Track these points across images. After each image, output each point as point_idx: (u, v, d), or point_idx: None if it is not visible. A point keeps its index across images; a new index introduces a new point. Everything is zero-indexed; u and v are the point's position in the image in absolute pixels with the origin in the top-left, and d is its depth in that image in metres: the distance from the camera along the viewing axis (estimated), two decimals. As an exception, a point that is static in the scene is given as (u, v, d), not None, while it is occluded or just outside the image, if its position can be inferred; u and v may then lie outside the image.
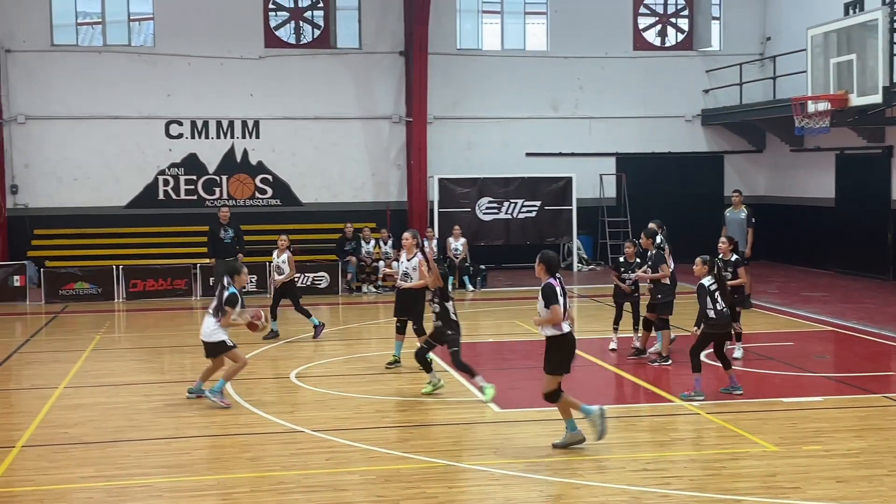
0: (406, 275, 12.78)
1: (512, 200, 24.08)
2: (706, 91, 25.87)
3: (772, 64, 24.19)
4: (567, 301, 9.16)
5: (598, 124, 25.50)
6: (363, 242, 21.34)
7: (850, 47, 13.06)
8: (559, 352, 9.14)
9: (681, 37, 26.12)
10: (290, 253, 15.39)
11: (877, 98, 12.52)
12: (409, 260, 12.76)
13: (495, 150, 25.05)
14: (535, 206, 24.21)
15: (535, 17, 25.56)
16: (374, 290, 21.00)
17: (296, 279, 15.76)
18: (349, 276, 20.78)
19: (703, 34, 25.82)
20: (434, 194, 23.65)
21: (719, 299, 10.94)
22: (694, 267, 11.17)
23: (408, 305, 12.79)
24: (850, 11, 21.56)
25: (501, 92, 25.01)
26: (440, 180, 23.71)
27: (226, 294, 10.91)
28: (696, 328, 11.08)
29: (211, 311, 10.97)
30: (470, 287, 21.23)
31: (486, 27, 25.32)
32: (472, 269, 21.64)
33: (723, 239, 12.96)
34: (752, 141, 26.06)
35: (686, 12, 26.04)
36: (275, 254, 15.44)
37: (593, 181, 25.40)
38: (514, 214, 24.14)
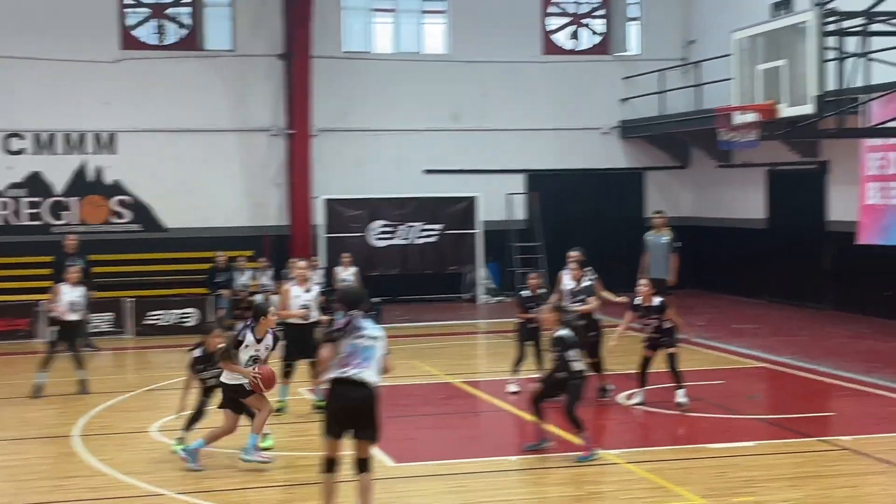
0: (305, 307, 12.87)
1: (409, 224, 24.11)
2: (624, 100, 26.33)
3: (696, 70, 24.76)
4: (361, 343, 8.48)
5: (506, 137, 25.72)
6: (237, 274, 21.09)
7: (780, 52, 13.42)
8: (326, 407, 8.44)
9: (596, 40, 26.56)
10: None
11: (808, 108, 12.88)
12: (307, 292, 12.85)
13: (389, 167, 25.07)
14: (434, 230, 24.28)
15: (432, 17, 25.70)
16: (250, 328, 20.68)
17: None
18: (221, 312, 20.50)
19: (619, 37, 26.31)
20: (319, 217, 23.52)
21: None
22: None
23: (304, 345, 12.80)
24: (779, 13, 22.25)
25: (396, 101, 25.07)
26: (326, 201, 23.62)
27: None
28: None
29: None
30: (361, 323, 21.08)
31: (378, 27, 25.37)
32: (363, 302, 21.48)
33: (643, 281, 12.92)
34: (676, 156, 26.60)
35: (601, 12, 26.51)
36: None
37: (500, 201, 25.58)
38: (412, 240, 24.16)
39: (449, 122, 25.47)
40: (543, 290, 13.67)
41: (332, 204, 23.68)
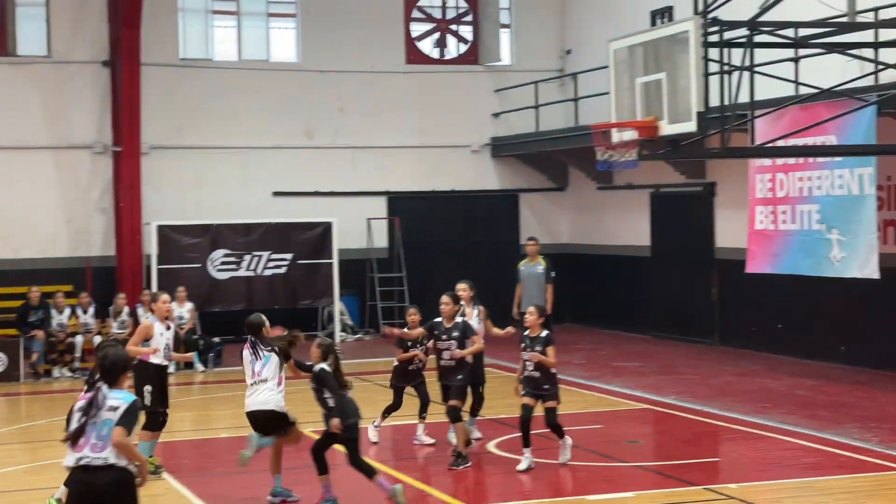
0: (168, 347, 12.86)
1: (255, 253, 23.91)
2: (496, 115, 26.64)
3: (573, 83, 25.19)
4: None
5: (365, 156, 25.77)
6: (54, 312, 20.63)
7: (660, 65, 13.74)
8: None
9: (464, 48, 26.86)
10: None
11: (691, 126, 13.19)
12: (168, 329, 12.88)
13: (233, 189, 24.87)
14: (285, 259, 24.12)
15: (281, 20, 25.67)
16: (69, 373, 20.30)
17: None
18: (35, 356, 20.02)
19: (490, 45, 26.65)
20: (152, 246, 23.20)
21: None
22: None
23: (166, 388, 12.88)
24: (658, 21, 22.81)
25: (240, 114, 24.91)
26: (160, 228, 23.28)
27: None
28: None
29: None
30: (199, 366, 20.89)
31: (219, 31, 25.24)
32: (202, 342, 21.29)
33: (531, 309, 12.83)
34: (553, 176, 26.99)
35: (469, 18, 26.82)
36: None
37: (359, 227, 25.59)
38: (259, 271, 23.97)
39: (301, 139, 25.42)
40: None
41: (166, 231, 23.32)
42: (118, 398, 7.87)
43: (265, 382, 11.53)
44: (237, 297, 23.84)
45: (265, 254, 23.97)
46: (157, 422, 12.61)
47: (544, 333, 12.56)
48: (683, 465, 12.60)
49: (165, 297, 12.92)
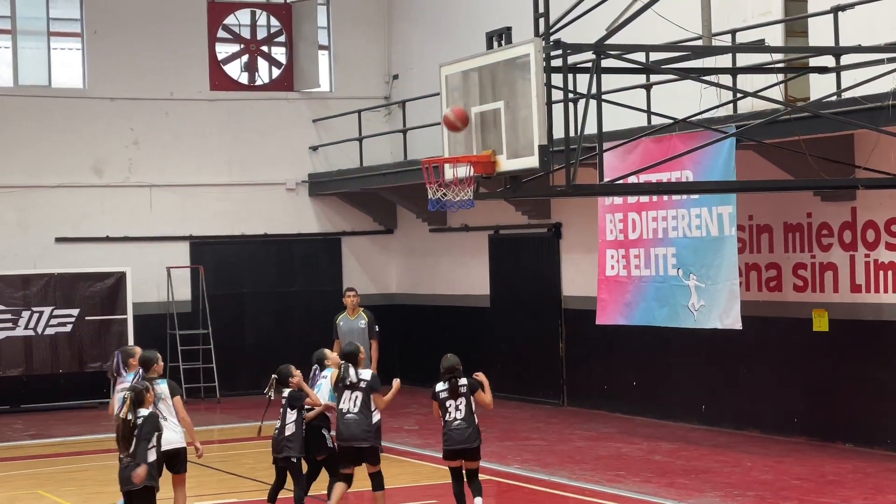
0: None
1: (35, 309, 23.46)
2: (314, 148, 26.53)
3: (401, 112, 25.21)
4: None
5: (164, 195, 25.38)
6: None
7: (497, 92, 13.78)
8: None
9: (277, 72, 26.70)
10: None
11: (533, 161, 13.23)
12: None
13: (9, 235, 24.31)
14: (70, 315, 23.68)
15: (64, 40, 25.22)
16: None
17: None
18: None
19: (307, 69, 26.54)
20: (-88, 302, 22.45)
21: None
22: None
23: None
24: (495, 44, 22.98)
25: (17, 148, 24.36)
26: (-78, 281, 22.59)
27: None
28: None
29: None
30: (-30, 442, 20.16)
31: (-10, 53, 24.70)
32: (-28, 414, 20.59)
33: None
34: (380, 217, 26.97)
35: (283, 39, 26.68)
36: None
37: (158, 277, 25.18)
38: (40, 329, 23.50)
39: (89, 176, 24.97)
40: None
41: (-72, 284, 22.67)
42: None
43: None
44: (14, 360, 23.38)
45: (47, 309, 23.60)
46: None
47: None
48: (530, 545, 12.56)
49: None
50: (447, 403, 13.21)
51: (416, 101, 24.12)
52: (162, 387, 12.43)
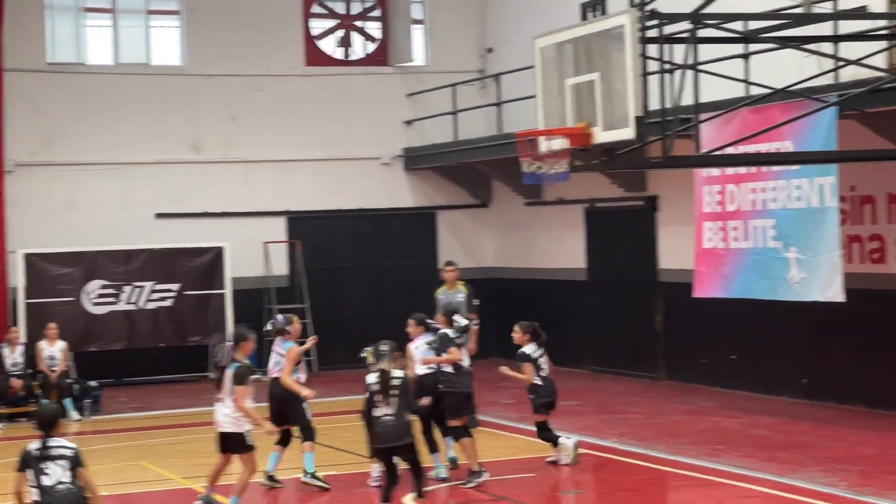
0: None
1: (136, 284, 23.75)
2: (409, 123, 26.52)
3: (495, 85, 25.11)
4: None
5: (260, 171, 25.53)
6: None
7: (592, 64, 13.64)
8: None
9: (371, 47, 26.71)
10: None
11: (628, 133, 13.10)
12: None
13: (110, 211, 24.54)
14: (171, 290, 23.97)
15: (163, 18, 25.38)
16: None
17: None
18: None
19: (401, 44, 26.52)
20: (18, 278, 22.79)
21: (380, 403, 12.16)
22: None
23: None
24: (589, 15, 22.82)
25: (117, 126, 24.60)
26: (27, 257, 23.02)
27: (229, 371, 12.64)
28: None
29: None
30: (74, 414, 20.51)
31: (92, 32, 24.91)
32: (76, 387, 20.93)
33: (515, 327, 14.88)
34: (475, 191, 26.91)
35: (378, 13, 26.69)
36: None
37: (255, 252, 25.33)
38: (141, 304, 23.81)
39: (187, 153, 25.17)
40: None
41: (34, 260, 23.10)
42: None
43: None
44: (117, 334, 23.70)
45: (148, 284, 23.86)
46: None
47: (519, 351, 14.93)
48: (628, 519, 12.47)
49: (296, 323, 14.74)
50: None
51: (510, 74, 23.98)
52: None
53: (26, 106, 23.89)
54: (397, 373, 12.26)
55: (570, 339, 24.52)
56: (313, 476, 14.37)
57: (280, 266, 25.67)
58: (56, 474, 10.13)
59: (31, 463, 10.15)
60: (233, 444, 12.79)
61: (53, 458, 10.12)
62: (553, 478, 14.58)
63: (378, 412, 12.06)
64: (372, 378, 12.20)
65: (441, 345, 14.27)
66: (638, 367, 22.70)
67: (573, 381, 22.82)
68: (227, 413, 12.72)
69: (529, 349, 14.81)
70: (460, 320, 14.51)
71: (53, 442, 10.15)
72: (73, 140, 24.39)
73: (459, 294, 18.42)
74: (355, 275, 25.87)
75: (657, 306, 22.28)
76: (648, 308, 22.43)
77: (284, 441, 14.51)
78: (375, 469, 13.96)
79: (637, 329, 22.74)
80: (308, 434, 14.46)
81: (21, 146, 23.86)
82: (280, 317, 15.05)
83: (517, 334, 14.94)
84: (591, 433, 17.17)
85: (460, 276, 18.94)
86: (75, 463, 10.13)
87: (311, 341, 15.74)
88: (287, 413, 14.47)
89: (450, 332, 14.35)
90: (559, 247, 24.88)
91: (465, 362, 14.36)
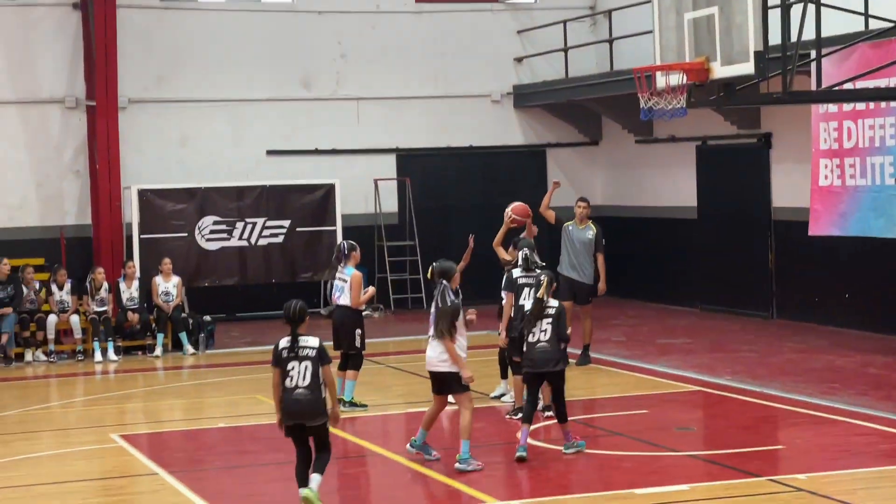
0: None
1: (249, 220, 23.96)
2: (519, 60, 26.53)
3: (607, 21, 25.03)
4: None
5: (370, 108, 25.71)
6: (24, 287, 20.65)
7: (711, -2, 13.69)
8: None
9: (482, -16, 26.73)
10: None
11: (748, 68, 13.10)
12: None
13: (223, 148, 24.87)
14: (282, 227, 24.16)
15: (274, -45, 25.63)
16: (42, 357, 20.32)
17: None
18: (4, 338, 20.06)
19: (512, -20, 26.52)
20: (132, 213, 23.21)
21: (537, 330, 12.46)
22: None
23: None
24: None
25: (229, 63, 24.87)
26: (141, 192, 23.33)
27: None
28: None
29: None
30: (189, 348, 20.91)
31: (204, -32, 25.23)
32: (191, 321, 21.34)
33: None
34: (585, 129, 26.90)
35: (487, -51, 26.68)
36: None
37: (366, 189, 25.57)
38: (253, 240, 24.01)
39: (298, 90, 25.39)
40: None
41: (147, 196, 23.37)
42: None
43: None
44: (229, 270, 23.92)
45: (260, 221, 24.04)
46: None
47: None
48: (743, 454, 12.56)
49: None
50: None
51: (621, 10, 23.91)
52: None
53: (139, 42, 24.19)
54: (553, 302, 12.56)
55: (679, 277, 24.56)
56: (351, 403, 14.99)
57: (390, 203, 25.90)
58: (297, 376, 10.55)
59: (279, 361, 10.59)
60: (447, 384, 12.30)
61: (300, 358, 10.54)
62: (666, 415, 14.69)
63: (532, 339, 12.45)
64: (527, 305, 12.92)
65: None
66: (749, 306, 22.67)
67: (682, 320, 22.91)
68: (441, 352, 12.22)
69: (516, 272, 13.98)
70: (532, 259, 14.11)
71: (301, 340, 10.54)
72: (185, 77, 24.70)
73: (589, 231, 17.97)
74: (464, 212, 25.97)
75: (770, 245, 22.20)
76: (761, 246, 22.37)
77: (354, 365, 15.28)
78: (507, 397, 14.94)
79: (748, 268, 22.69)
80: (356, 363, 15.14)
81: (134, 83, 24.16)
82: (345, 243, 15.60)
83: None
84: (704, 371, 17.25)
85: (589, 214, 18.59)
86: (320, 360, 10.54)
87: (369, 294, 15.42)
88: (341, 338, 15.08)
89: (516, 271, 14.13)
90: (669, 184, 24.84)
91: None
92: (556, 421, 12.85)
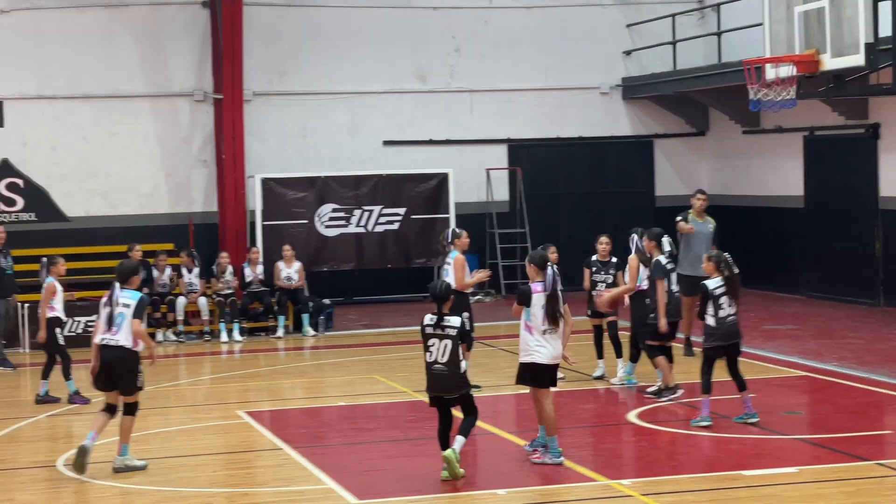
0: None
1: (366, 208, 24.08)
2: (628, 53, 26.37)
3: (715, 15, 24.82)
4: None
5: (483, 100, 25.73)
6: (156, 272, 21.00)
7: (821, -9, 13.52)
8: None
9: (592, -21, 26.60)
10: None
11: (858, 59, 12.95)
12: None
13: (341, 138, 25.04)
14: (397, 214, 24.25)
15: (392, -47, 25.72)
16: (173, 337, 20.66)
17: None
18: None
19: (621, -25, 26.36)
20: (256, 201, 23.46)
21: (725, 305, 12.77)
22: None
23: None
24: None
25: (348, 57, 25.02)
26: (264, 181, 23.56)
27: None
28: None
29: None
30: (310, 330, 21.14)
31: (325, -34, 25.36)
32: (311, 304, 21.54)
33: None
34: (692, 120, 26.67)
35: (599, -55, 26.53)
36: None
37: (478, 178, 25.61)
38: (370, 227, 24.13)
39: (413, 83, 25.47)
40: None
41: (270, 184, 23.59)
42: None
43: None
44: (347, 256, 24.05)
45: (376, 208, 24.14)
46: None
47: (614, 260, 15.39)
48: (850, 438, 12.42)
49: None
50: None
51: (730, 4, 23.66)
52: None
53: (264, 38, 24.43)
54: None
55: (787, 265, 24.28)
56: None
57: (501, 192, 25.92)
58: (437, 352, 11.02)
59: (424, 335, 11.07)
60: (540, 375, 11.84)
61: (442, 336, 10.97)
62: (773, 399, 14.54)
63: (722, 313, 12.83)
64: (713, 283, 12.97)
65: (654, 272, 14.35)
66: (856, 294, 22.34)
67: (790, 307, 22.66)
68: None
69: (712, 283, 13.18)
70: (667, 245, 14.42)
71: (445, 319, 10.97)
72: (306, 71, 24.89)
73: (709, 224, 17.39)
74: (573, 201, 25.93)
75: (877, 233, 21.87)
76: (868, 235, 22.03)
77: None
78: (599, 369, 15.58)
79: (856, 256, 22.36)
80: (467, 343, 14.94)
81: (259, 76, 24.44)
82: (451, 230, 15.99)
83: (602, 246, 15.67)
84: (811, 357, 17.06)
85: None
86: (460, 338, 10.97)
87: (478, 276, 15.57)
88: None
89: (662, 258, 14.36)
90: (776, 174, 24.54)
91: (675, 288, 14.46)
92: (697, 397, 13.39)
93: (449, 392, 11.12)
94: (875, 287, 22.00)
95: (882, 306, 21.72)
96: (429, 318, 11.05)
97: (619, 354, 15.63)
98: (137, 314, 11.65)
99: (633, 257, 14.78)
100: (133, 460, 11.78)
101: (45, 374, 15.47)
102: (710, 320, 12.86)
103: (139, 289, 12.07)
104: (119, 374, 11.66)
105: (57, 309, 15.54)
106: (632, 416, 13.64)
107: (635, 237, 14.83)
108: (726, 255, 13.18)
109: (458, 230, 15.82)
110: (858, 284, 22.34)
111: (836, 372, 16.02)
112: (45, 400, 15.35)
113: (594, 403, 14.53)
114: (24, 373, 18.17)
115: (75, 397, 15.28)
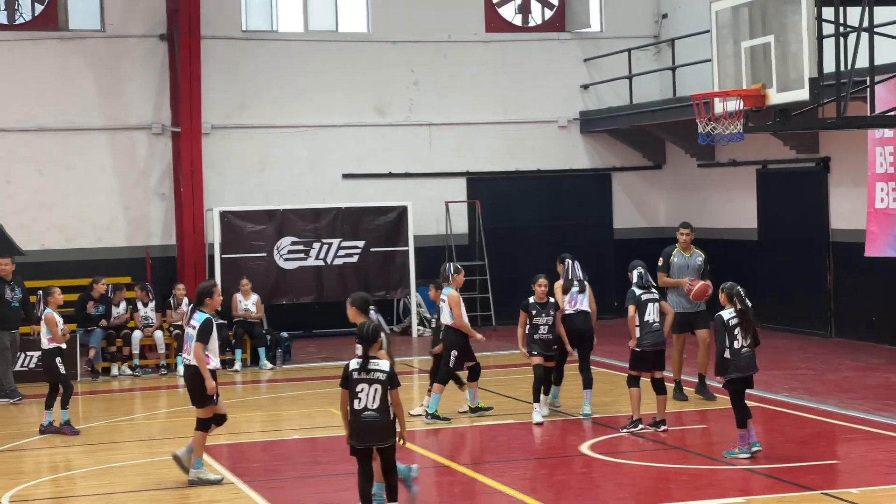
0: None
1: (324, 241, 24.07)
2: (585, 87, 26.56)
3: (670, 50, 25.04)
4: None
5: (442, 133, 25.85)
6: (113, 305, 20.91)
7: (767, 27, 13.66)
8: None
9: (549, 14, 26.77)
10: None
11: (803, 94, 13.09)
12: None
13: (300, 172, 25.09)
14: (356, 247, 24.25)
15: (349, -13, 25.80)
16: (128, 371, 20.56)
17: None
18: (92, 352, 20.28)
19: (578, 10, 26.54)
20: (214, 234, 23.44)
21: (739, 336, 12.96)
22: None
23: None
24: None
25: (307, 90, 25.10)
26: (223, 214, 23.54)
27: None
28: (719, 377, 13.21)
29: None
30: (267, 363, 21.08)
31: (283, 1, 25.38)
32: (269, 337, 21.51)
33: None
34: (649, 154, 26.86)
35: (555, -19, 26.73)
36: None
37: (437, 211, 25.68)
38: (329, 260, 24.12)
39: (372, 116, 25.58)
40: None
41: (229, 217, 23.56)
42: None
43: None
44: (306, 288, 24.02)
45: (335, 241, 24.12)
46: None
47: (552, 300, 15.44)
48: (798, 468, 12.50)
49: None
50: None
51: (684, 39, 23.89)
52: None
53: (222, 71, 24.49)
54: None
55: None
56: (433, 416, 15.45)
57: (460, 225, 25.99)
58: (367, 399, 10.33)
59: (349, 381, 10.40)
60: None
61: (369, 381, 10.35)
62: (724, 429, 14.59)
63: (737, 345, 13.10)
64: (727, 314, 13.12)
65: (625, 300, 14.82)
66: (807, 325, 22.51)
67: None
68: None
69: (726, 314, 13.23)
70: (635, 276, 14.65)
71: (372, 363, 10.41)
72: (265, 104, 24.94)
73: (698, 258, 16.55)
74: (532, 233, 26.02)
75: (828, 265, 22.05)
76: (819, 267, 22.22)
77: (472, 376, 15.74)
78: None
79: (808, 287, 22.54)
80: (443, 378, 15.52)
81: (217, 110, 24.48)
82: (452, 265, 15.90)
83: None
84: (762, 388, 17.03)
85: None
86: (389, 384, 10.38)
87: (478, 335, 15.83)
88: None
89: (634, 288, 14.67)
90: (731, 207, 24.73)
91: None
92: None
93: (381, 441, 10.44)
94: (826, 318, 22.18)
95: (833, 337, 21.90)
96: (355, 363, 10.41)
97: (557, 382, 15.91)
98: (200, 337, 12.31)
99: (557, 284, 15.60)
100: (207, 473, 12.42)
101: (49, 405, 15.48)
102: (726, 352, 12.98)
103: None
104: (189, 389, 12.66)
105: (56, 339, 15.59)
106: (584, 448, 13.69)
107: (568, 261, 15.78)
108: (738, 287, 13.27)
109: (458, 266, 15.92)
110: (810, 316, 22.51)
111: (786, 402, 16.13)
112: (48, 430, 15.40)
113: (548, 435, 14.55)
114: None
115: (66, 427, 15.34)
